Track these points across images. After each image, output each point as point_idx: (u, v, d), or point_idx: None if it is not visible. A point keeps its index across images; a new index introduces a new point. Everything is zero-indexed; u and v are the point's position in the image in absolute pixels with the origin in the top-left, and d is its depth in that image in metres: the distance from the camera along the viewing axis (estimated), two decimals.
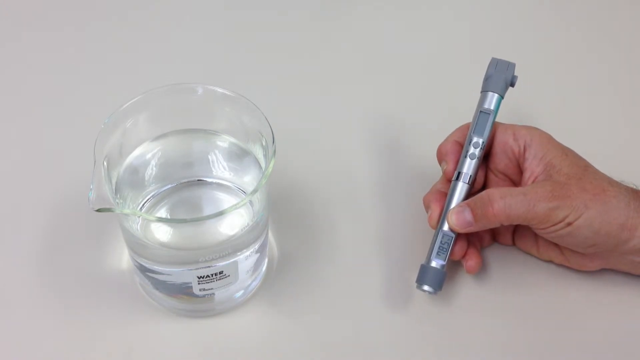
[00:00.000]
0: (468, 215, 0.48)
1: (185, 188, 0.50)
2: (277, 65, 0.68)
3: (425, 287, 0.49)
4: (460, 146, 0.51)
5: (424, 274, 0.49)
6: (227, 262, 0.46)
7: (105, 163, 0.45)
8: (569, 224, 0.46)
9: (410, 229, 0.55)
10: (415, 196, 0.55)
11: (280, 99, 0.64)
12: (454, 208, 0.49)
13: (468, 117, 0.52)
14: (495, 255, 0.54)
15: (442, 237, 0.49)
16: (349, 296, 0.51)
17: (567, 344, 0.49)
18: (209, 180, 0.51)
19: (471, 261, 0.50)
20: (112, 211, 0.42)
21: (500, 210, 0.47)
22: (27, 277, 0.51)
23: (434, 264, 0.49)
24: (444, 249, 0.49)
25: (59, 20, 0.71)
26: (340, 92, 0.66)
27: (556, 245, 0.51)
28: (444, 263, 0.49)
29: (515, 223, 0.48)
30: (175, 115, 0.48)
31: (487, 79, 0.52)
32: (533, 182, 0.49)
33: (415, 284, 0.49)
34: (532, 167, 0.49)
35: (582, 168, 0.48)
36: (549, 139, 0.50)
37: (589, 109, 0.65)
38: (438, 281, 0.49)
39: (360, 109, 0.64)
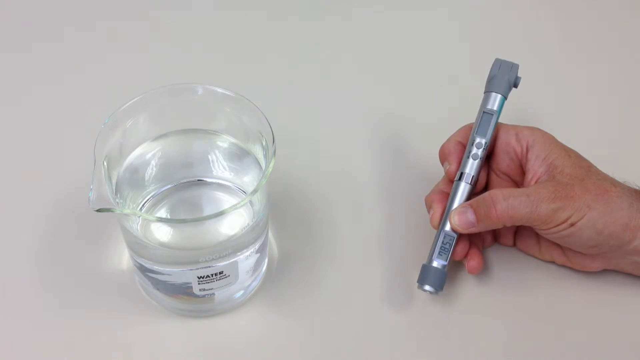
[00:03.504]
0: (471, 216, 0.48)
1: (185, 188, 0.50)
2: (277, 65, 0.68)
3: (427, 287, 0.49)
4: (462, 146, 0.51)
5: (425, 274, 0.49)
6: (227, 262, 0.46)
7: (105, 163, 0.44)
8: (572, 224, 0.46)
9: (412, 229, 0.55)
10: (416, 196, 0.55)
11: (280, 99, 0.64)
12: (456, 209, 0.49)
13: (469, 117, 0.52)
14: (497, 256, 0.54)
15: (444, 237, 0.49)
16: (349, 296, 0.51)
17: (568, 344, 0.49)
18: (209, 180, 0.51)
19: (473, 261, 0.50)
20: (112, 211, 0.42)
21: (503, 211, 0.47)
22: (27, 277, 0.51)
23: (435, 264, 0.49)
24: (446, 249, 0.49)
25: (59, 21, 0.71)
26: (340, 92, 0.66)
27: (558, 246, 0.51)
28: (445, 263, 0.49)
29: (518, 224, 0.48)
30: (175, 115, 0.48)
31: (490, 79, 0.52)
32: (536, 182, 0.49)
33: (417, 284, 0.49)
34: (535, 168, 0.49)
35: (585, 169, 0.48)
36: (552, 139, 0.50)
37: (591, 109, 0.65)
38: (439, 281, 0.49)
39: (360, 109, 0.64)
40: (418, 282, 0.49)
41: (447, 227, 0.49)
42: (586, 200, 0.46)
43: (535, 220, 0.47)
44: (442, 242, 0.49)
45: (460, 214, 0.48)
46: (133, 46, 0.69)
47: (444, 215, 0.50)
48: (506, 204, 0.47)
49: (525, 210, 0.47)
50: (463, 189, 0.50)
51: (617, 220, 0.46)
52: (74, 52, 0.68)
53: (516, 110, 0.58)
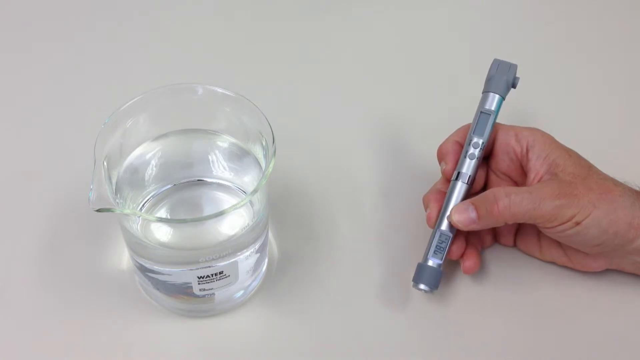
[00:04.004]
0: (472, 213, 0.48)
1: (185, 188, 0.50)
2: (277, 65, 0.68)
3: (422, 286, 0.49)
4: (460, 146, 0.51)
5: (420, 273, 0.49)
6: (227, 262, 0.46)
7: (105, 163, 0.44)
8: (578, 223, 0.46)
9: (412, 228, 0.55)
10: (416, 196, 0.54)
11: (280, 99, 0.64)
12: (457, 205, 0.49)
13: (468, 117, 0.52)
14: (496, 255, 0.54)
15: (440, 236, 0.49)
16: (349, 296, 0.51)
17: (568, 344, 0.49)
18: (209, 180, 0.51)
19: (469, 262, 0.50)
20: (112, 211, 0.42)
21: (505, 208, 0.47)
22: (27, 277, 0.51)
23: (430, 262, 0.49)
24: (441, 248, 0.49)
25: (59, 22, 0.71)
26: (340, 92, 0.66)
27: (559, 246, 0.51)
28: (440, 262, 0.49)
29: (520, 222, 0.48)
30: (175, 115, 0.48)
31: (488, 79, 0.52)
32: (538, 182, 0.49)
33: (412, 283, 0.49)
34: (537, 167, 0.49)
35: (586, 168, 0.48)
36: (552, 139, 0.50)
37: (591, 109, 0.65)
38: (434, 280, 0.49)
39: (360, 109, 0.64)
40: (413, 280, 0.49)
41: (443, 227, 0.49)
42: (590, 198, 0.46)
43: (539, 218, 0.47)
44: (438, 241, 0.49)
45: (462, 211, 0.48)
46: (133, 46, 0.69)
47: (440, 214, 0.50)
48: (508, 200, 0.47)
49: (527, 206, 0.46)
50: (460, 188, 0.50)
51: (621, 219, 0.46)
52: (74, 52, 0.68)
53: (516, 110, 0.58)
